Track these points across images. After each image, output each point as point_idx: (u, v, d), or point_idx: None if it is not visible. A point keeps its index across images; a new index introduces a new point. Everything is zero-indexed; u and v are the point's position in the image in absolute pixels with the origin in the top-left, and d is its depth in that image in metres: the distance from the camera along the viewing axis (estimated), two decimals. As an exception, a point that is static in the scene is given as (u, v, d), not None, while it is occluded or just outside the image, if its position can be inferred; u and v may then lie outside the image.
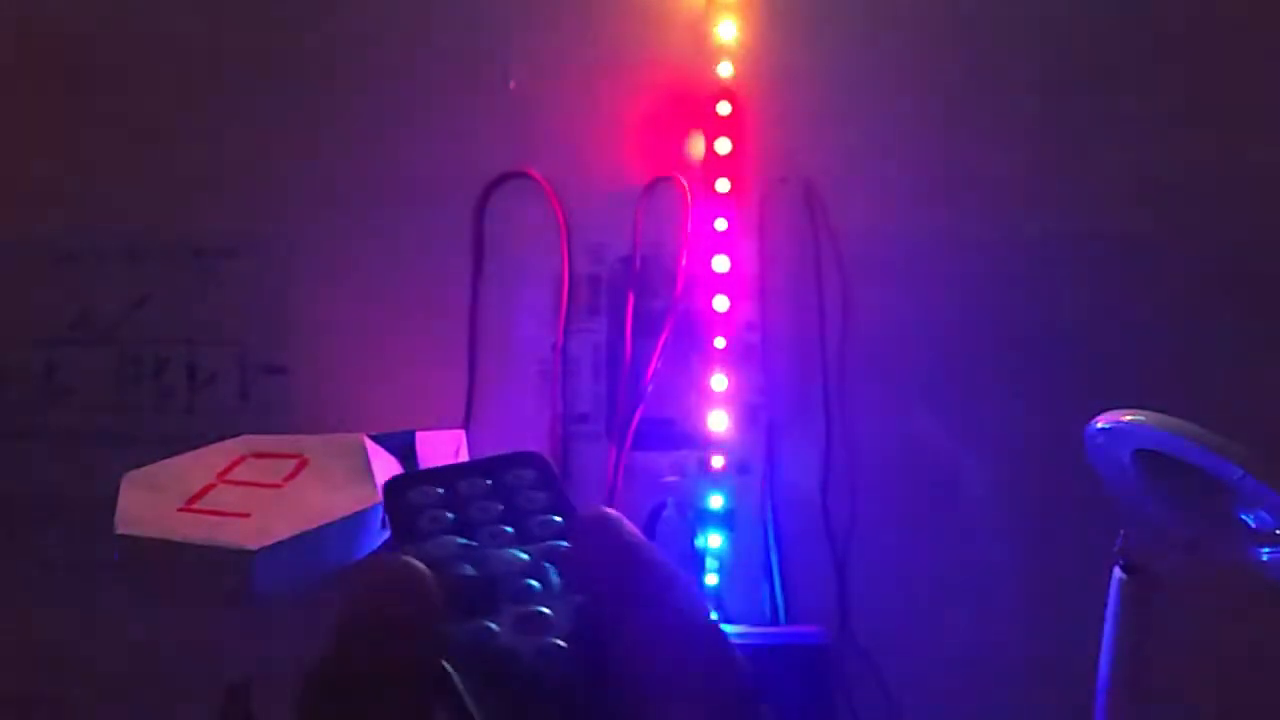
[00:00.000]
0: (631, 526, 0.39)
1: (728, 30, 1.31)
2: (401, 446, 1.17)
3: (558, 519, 0.41)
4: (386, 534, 1.06)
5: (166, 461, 1.09)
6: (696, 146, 1.31)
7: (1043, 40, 1.31)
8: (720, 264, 1.30)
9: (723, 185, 1.30)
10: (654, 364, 1.29)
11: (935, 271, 1.31)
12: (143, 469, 1.07)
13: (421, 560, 0.36)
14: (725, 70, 1.31)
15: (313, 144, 1.32)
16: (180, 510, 1.00)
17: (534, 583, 0.37)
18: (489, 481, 0.43)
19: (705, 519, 1.28)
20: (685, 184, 1.30)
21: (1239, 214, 1.30)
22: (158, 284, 1.32)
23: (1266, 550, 0.86)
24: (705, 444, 1.29)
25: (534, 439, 1.30)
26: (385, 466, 1.10)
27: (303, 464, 1.08)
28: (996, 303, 1.30)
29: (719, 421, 1.29)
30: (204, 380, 1.32)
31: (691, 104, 1.31)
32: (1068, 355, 1.29)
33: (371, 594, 0.35)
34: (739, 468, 1.29)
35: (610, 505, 1.30)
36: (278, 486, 1.04)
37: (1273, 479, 0.79)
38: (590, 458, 1.30)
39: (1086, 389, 1.15)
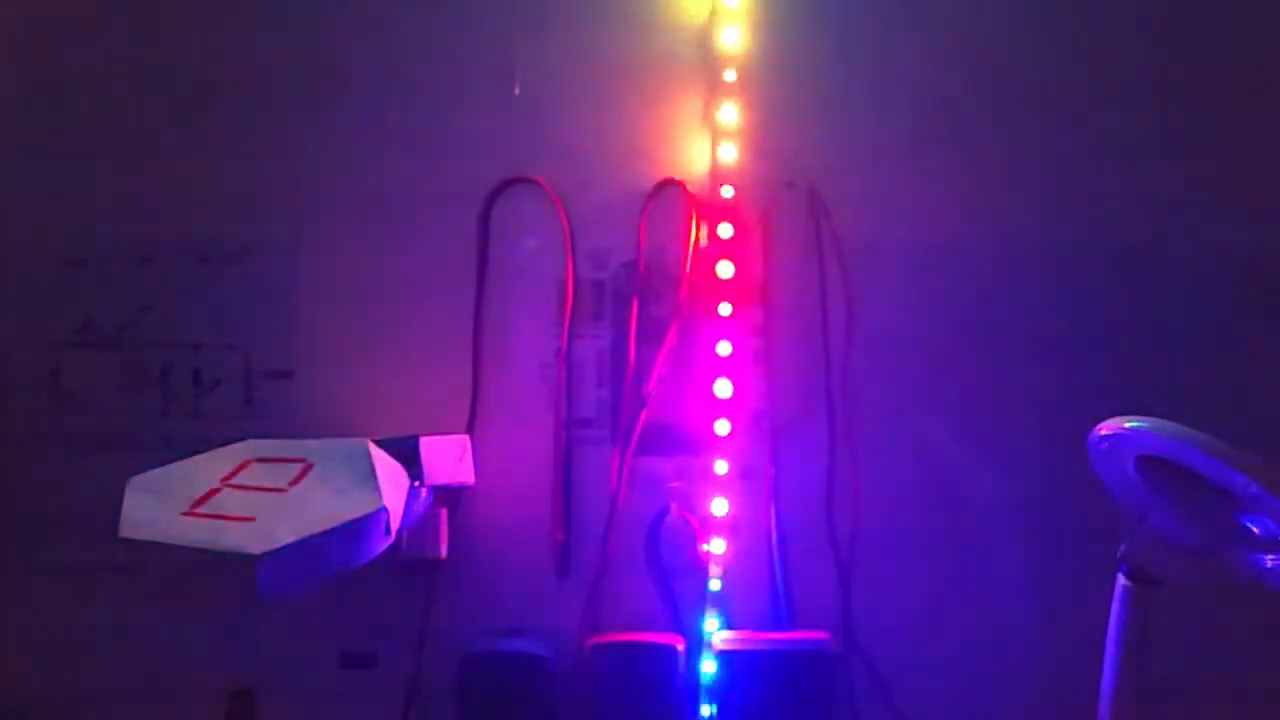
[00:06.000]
0: None
1: (732, 37, 1.31)
2: (406, 451, 1.17)
3: None
4: (389, 540, 1.06)
5: (171, 466, 1.09)
6: (701, 152, 1.31)
7: (1047, 50, 1.32)
8: (724, 269, 1.30)
9: (727, 191, 1.30)
10: (658, 369, 1.29)
11: (939, 278, 1.31)
12: (148, 473, 1.07)
13: None
14: (730, 77, 1.31)
15: (318, 151, 1.32)
16: (185, 514, 1.01)
17: None
18: None
19: (709, 524, 1.28)
20: (690, 189, 1.31)
21: (1242, 223, 1.30)
22: (163, 289, 1.32)
23: (1270, 557, 0.86)
24: (709, 449, 1.29)
25: (538, 444, 1.30)
26: (390, 471, 1.10)
27: (307, 468, 1.08)
28: (1000, 309, 1.30)
29: (723, 427, 1.29)
30: (209, 385, 1.32)
31: (696, 110, 1.32)
32: (1071, 361, 1.29)
33: None
34: (743, 473, 1.29)
35: (614, 510, 1.31)
36: (282, 491, 1.04)
37: (1278, 486, 0.79)
38: (594, 462, 1.30)
39: (1090, 395, 1.15)
